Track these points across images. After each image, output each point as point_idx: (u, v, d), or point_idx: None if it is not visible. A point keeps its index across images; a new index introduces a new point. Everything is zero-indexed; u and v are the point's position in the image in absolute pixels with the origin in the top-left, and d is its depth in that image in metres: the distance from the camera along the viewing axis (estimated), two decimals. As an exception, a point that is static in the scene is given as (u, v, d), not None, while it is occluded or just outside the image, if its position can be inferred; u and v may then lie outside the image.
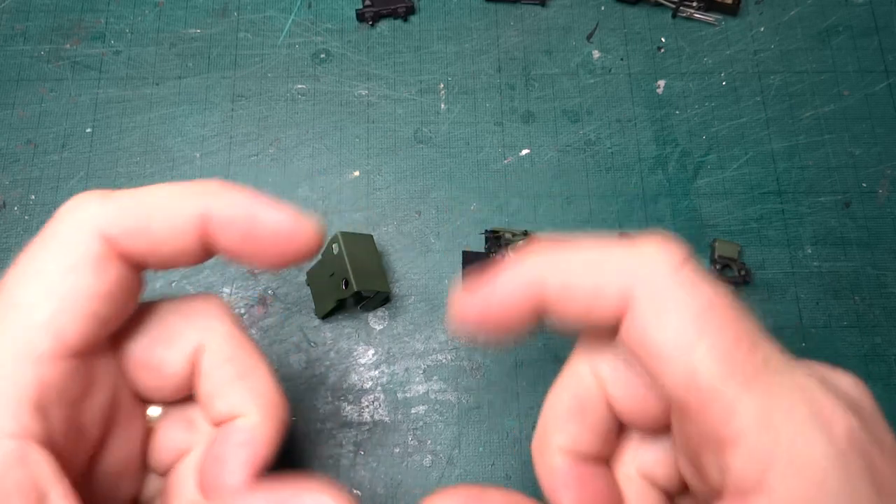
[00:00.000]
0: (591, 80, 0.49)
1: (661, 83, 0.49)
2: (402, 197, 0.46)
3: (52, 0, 0.50)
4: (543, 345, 0.43)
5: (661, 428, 0.25)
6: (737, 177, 0.47)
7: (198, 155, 0.47)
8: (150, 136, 0.47)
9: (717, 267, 0.43)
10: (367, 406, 0.41)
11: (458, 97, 0.48)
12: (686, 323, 0.21)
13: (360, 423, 0.41)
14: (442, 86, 0.49)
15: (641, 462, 0.26)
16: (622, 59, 0.50)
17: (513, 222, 0.45)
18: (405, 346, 0.43)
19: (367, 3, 0.50)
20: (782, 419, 0.20)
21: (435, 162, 0.47)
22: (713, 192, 0.46)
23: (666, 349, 0.21)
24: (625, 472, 0.26)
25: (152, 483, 0.27)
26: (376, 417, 0.41)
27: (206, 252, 0.25)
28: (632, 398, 0.24)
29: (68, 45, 0.49)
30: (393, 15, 0.50)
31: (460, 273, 0.43)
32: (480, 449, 0.40)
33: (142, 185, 0.46)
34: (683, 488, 0.26)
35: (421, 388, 0.42)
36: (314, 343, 0.43)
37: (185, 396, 0.26)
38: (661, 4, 0.51)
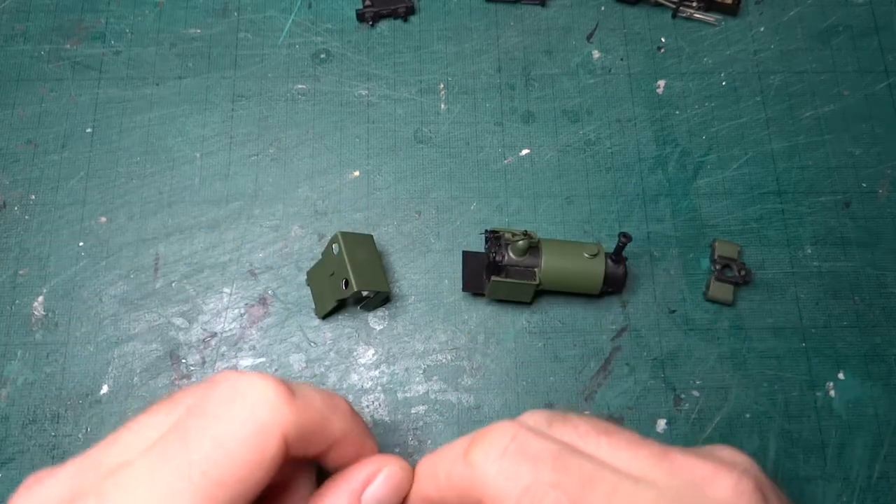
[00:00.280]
0: (591, 80, 0.49)
1: (661, 83, 0.49)
2: (402, 197, 0.46)
3: (52, 0, 0.51)
4: (543, 345, 0.43)
5: None
6: (737, 177, 0.47)
7: (198, 155, 0.47)
8: (150, 136, 0.47)
9: (717, 267, 0.43)
10: (367, 406, 0.41)
11: (458, 97, 0.48)
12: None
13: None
14: (442, 86, 0.49)
15: None
16: (622, 59, 0.50)
17: (513, 222, 0.45)
18: (405, 346, 0.43)
19: (367, 3, 0.50)
20: None
21: (435, 162, 0.47)
22: (713, 192, 0.46)
23: None
24: None
25: None
26: (376, 417, 0.41)
27: None
28: None
29: (68, 45, 0.49)
30: (393, 15, 0.50)
31: (460, 273, 0.43)
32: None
33: (142, 185, 0.47)
34: None
35: (421, 388, 0.42)
36: (314, 343, 0.43)
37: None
38: (661, 4, 0.51)
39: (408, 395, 0.42)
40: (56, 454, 0.40)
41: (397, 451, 0.40)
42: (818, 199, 0.46)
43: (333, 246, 0.41)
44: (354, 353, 0.42)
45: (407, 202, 0.46)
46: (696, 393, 0.42)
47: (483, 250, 0.43)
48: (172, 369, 0.42)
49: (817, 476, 0.40)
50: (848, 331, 0.43)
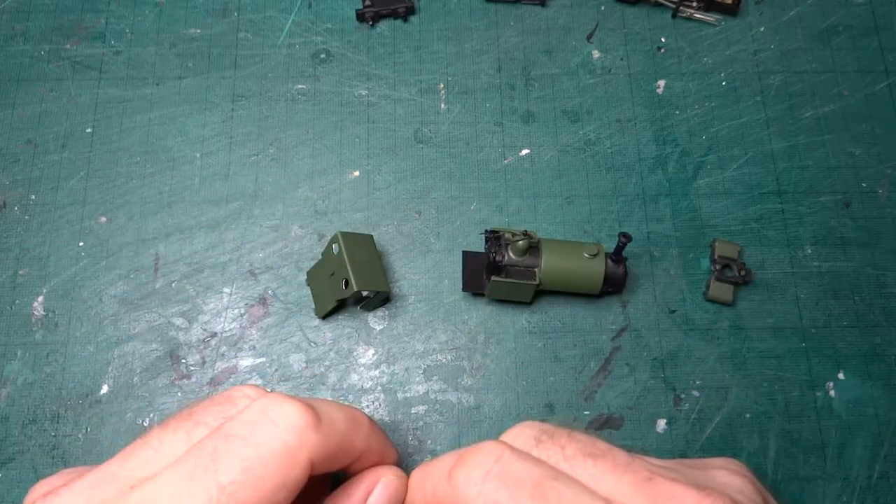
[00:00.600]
0: (591, 80, 0.49)
1: (661, 83, 0.49)
2: (402, 197, 0.46)
3: (52, 0, 0.51)
4: (543, 345, 0.43)
5: None
6: (737, 177, 0.47)
7: (198, 155, 0.47)
8: (150, 136, 0.47)
9: (717, 267, 0.43)
10: (368, 406, 0.41)
11: (458, 97, 0.48)
12: None
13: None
14: (442, 86, 0.49)
15: None
16: (622, 59, 0.50)
17: (513, 222, 0.45)
18: (405, 346, 0.43)
19: (367, 3, 0.50)
20: None
21: (435, 162, 0.47)
22: (713, 192, 0.46)
23: None
24: None
25: None
26: (376, 417, 0.41)
27: None
28: None
29: (68, 45, 0.49)
30: (393, 15, 0.50)
31: (460, 273, 0.43)
32: (480, 449, 0.40)
33: (142, 185, 0.47)
34: None
35: (421, 388, 0.42)
36: (314, 343, 0.43)
37: None
38: (661, 4, 0.51)
39: (408, 395, 0.42)
40: (56, 454, 0.40)
41: (397, 450, 0.40)
42: (818, 199, 0.46)
43: (333, 246, 0.41)
44: (354, 353, 0.42)
45: (407, 202, 0.46)
46: (696, 393, 0.42)
47: (483, 250, 0.43)
48: (172, 369, 0.42)
49: (817, 476, 0.40)
50: (848, 331, 0.43)
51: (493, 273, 0.41)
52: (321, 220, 0.45)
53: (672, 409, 0.41)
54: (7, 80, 0.48)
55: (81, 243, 0.44)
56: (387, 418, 0.41)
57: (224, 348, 0.42)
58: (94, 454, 0.40)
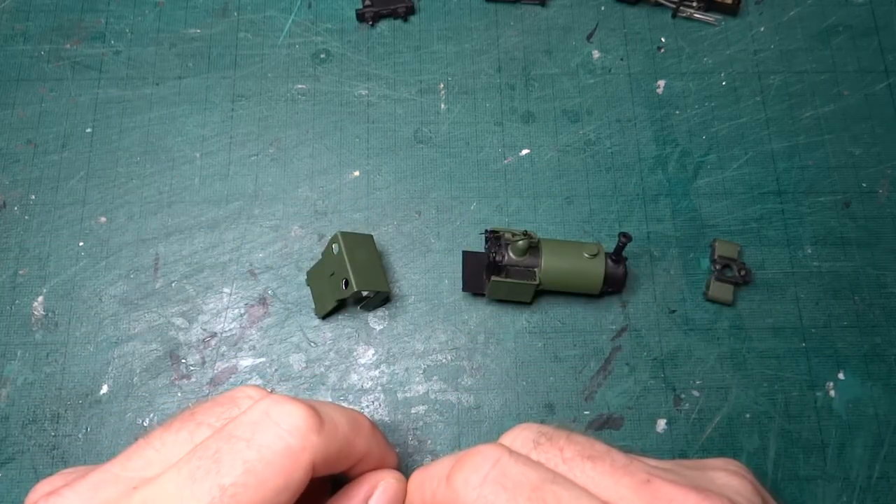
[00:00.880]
0: (591, 80, 0.49)
1: (661, 83, 0.49)
2: (402, 197, 0.46)
3: (52, 0, 0.50)
4: (543, 345, 0.43)
5: None
6: (737, 177, 0.47)
7: (198, 155, 0.47)
8: (150, 136, 0.47)
9: (717, 267, 0.43)
10: (367, 406, 0.41)
11: (458, 97, 0.48)
12: None
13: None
14: (442, 86, 0.49)
15: None
16: (622, 59, 0.50)
17: (513, 222, 0.45)
18: (405, 346, 0.43)
19: (367, 3, 0.50)
20: None
21: (435, 162, 0.47)
22: (713, 192, 0.46)
23: None
24: None
25: None
26: (376, 417, 0.41)
27: None
28: None
29: (68, 45, 0.49)
30: (393, 15, 0.50)
31: (460, 273, 0.43)
32: (480, 449, 0.40)
33: (142, 185, 0.47)
34: None
35: (421, 388, 0.42)
36: (314, 343, 0.43)
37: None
38: (661, 4, 0.51)
39: (408, 395, 0.42)
40: (56, 454, 0.40)
41: (397, 451, 0.40)
42: (818, 199, 0.46)
43: (333, 246, 0.41)
44: (354, 353, 0.42)
45: (407, 202, 0.46)
46: (696, 393, 0.42)
47: (483, 250, 0.43)
48: (172, 369, 0.42)
49: (817, 476, 0.40)
50: (848, 331, 0.43)
51: (493, 273, 0.41)
52: (321, 220, 0.45)
53: (672, 409, 0.41)
54: (7, 80, 0.48)
55: (81, 243, 0.44)
56: (387, 418, 0.41)
57: (224, 348, 0.42)
58: (94, 454, 0.40)
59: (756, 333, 0.43)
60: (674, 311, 0.43)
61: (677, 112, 0.48)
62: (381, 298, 0.42)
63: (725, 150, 0.47)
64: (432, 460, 0.40)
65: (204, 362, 0.42)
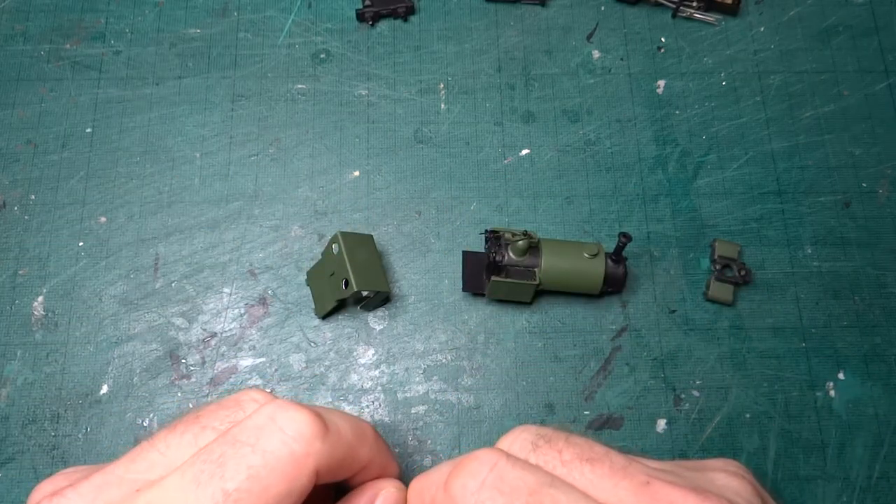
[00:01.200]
0: (591, 80, 0.49)
1: (661, 83, 0.49)
2: (402, 197, 0.46)
3: (52, 0, 0.50)
4: (543, 345, 0.43)
5: None
6: (737, 177, 0.47)
7: (198, 155, 0.47)
8: (150, 136, 0.47)
9: (717, 267, 0.43)
10: (367, 406, 0.41)
11: (458, 97, 0.48)
12: None
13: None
14: (442, 86, 0.49)
15: None
16: (622, 59, 0.50)
17: (513, 222, 0.45)
18: (405, 346, 0.43)
19: (367, 3, 0.50)
20: None
21: (435, 162, 0.47)
22: (713, 192, 0.46)
23: None
24: None
25: None
26: (376, 417, 0.41)
27: None
28: None
29: (68, 45, 0.49)
30: (393, 15, 0.50)
31: (460, 273, 0.43)
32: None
33: (142, 185, 0.47)
34: None
35: (421, 388, 0.42)
36: (314, 343, 0.43)
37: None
38: (661, 4, 0.51)
39: (408, 395, 0.42)
40: (56, 454, 0.40)
41: (397, 451, 0.40)
42: (818, 199, 0.46)
43: (333, 246, 0.41)
44: (354, 353, 0.42)
45: (407, 202, 0.46)
46: (696, 393, 0.42)
47: (483, 250, 0.43)
48: (172, 369, 0.42)
49: (817, 476, 0.40)
50: (848, 331, 0.43)
51: (493, 273, 0.41)
52: (321, 220, 0.45)
53: (672, 409, 0.41)
54: (7, 80, 0.48)
55: (81, 243, 0.44)
56: (387, 418, 0.41)
57: (224, 348, 0.42)
58: (93, 454, 0.40)
59: (756, 333, 0.43)
60: (674, 311, 0.43)
61: (677, 112, 0.48)
62: (381, 298, 0.42)
63: (725, 150, 0.47)
64: (432, 460, 0.40)
65: (204, 362, 0.42)
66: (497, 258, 0.40)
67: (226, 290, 0.44)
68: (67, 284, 0.44)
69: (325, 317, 0.43)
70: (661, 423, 0.41)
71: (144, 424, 0.41)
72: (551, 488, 0.23)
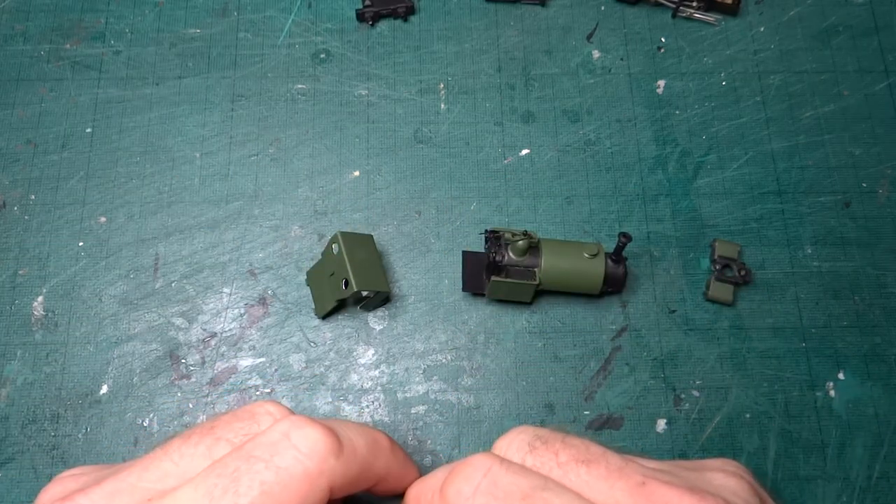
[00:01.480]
0: (591, 80, 0.49)
1: (661, 83, 0.49)
2: (402, 197, 0.46)
3: (52, 0, 0.50)
4: (543, 345, 0.43)
5: None
6: (737, 177, 0.47)
7: (198, 155, 0.47)
8: (150, 136, 0.47)
9: (717, 267, 0.43)
10: (367, 406, 0.41)
11: (458, 97, 0.48)
12: None
13: (360, 423, 0.41)
14: (442, 86, 0.49)
15: None
16: (622, 59, 0.50)
17: (513, 222, 0.45)
18: (405, 346, 0.43)
19: (367, 3, 0.50)
20: None
21: (435, 162, 0.47)
22: (713, 192, 0.46)
23: None
24: None
25: None
26: (376, 417, 0.41)
27: None
28: None
29: (68, 45, 0.49)
30: (393, 15, 0.50)
31: (460, 273, 0.43)
32: (480, 449, 0.40)
33: (142, 185, 0.47)
34: None
35: (421, 388, 0.42)
36: (314, 343, 0.43)
37: None
38: (661, 4, 0.51)
39: (408, 395, 0.42)
40: (56, 454, 0.40)
41: (397, 451, 0.40)
42: (818, 199, 0.46)
43: (333, 246, 0.41)
44: (354, 353, 0.42)
45: (407, 202, 0.46)
46: (696, 393, 0.42)
47: (483, 250, 0.43)
48: (172, 369, 0.42)
49: (817, 476, 0.40)
50: (848, 331, 0.43)
51: (493, 273, 0.41)
52: (321, 220, 0.45)
53: (672, 409, 0.41)
54: (7, 80, 0.48)
55: (81, 243, 0.44)
56: (387, 418, 0.41)
57: (224, 348, 0.42)
58: (93, 454, 0.40)
59: (756, 333, 0.43)
60: (674, 311, 0.43)
61: (677, 112, 0.48)
62: (381, 298, 0.42)
63: (725, 150, 0.47)
64: (432, 461, 0.40)
65: (204, 362, 0.42)
66: (497, 258, 0.40)
67: (226, 290, 0.44)
68: (67, 284, 0.44)
69: (325, 317, 0.43)
70: (661, 424, 0.41)
71: (144, 424, 0.41)
72: (544, 491, 0.23)
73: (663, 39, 0.50)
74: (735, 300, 0.43)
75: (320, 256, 0.43)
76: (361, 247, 0.41)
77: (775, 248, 0.45)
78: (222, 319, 0.43)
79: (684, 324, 0.43)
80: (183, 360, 0.42)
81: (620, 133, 0.48)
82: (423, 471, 0.40)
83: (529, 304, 0.43)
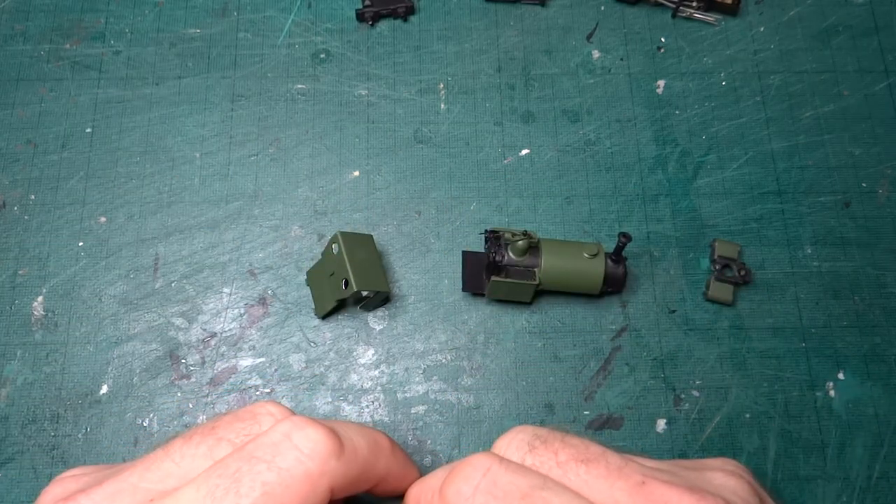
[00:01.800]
0: (591, 80, 0.49)
1: (661, 83, 0.49)
2: (402, 197, 0.46)
3: (52, 0, 0.50)
4: (543, 345, 0.43)
5: None
6: (737, 177, 0.47)
7: (198, 155, 0.47)
8: (149, 136, 0.47)
9: (717, 267, 0.43)
10: (367, 406, 0.41)
11: (457, 97, 0.48)
12: None
13: (361, 423, 0.41)
14: (442, 86, 0.49)
15: None
16: (622, 59, 0.50)
17: (513, 222, 0.45)
18: (405, 346, 0.43)
19: (367, 3, 0.50)
20: None
21: (435, 162, 0.47)
22: (713, 192, 0.46)
23: None
24: None
25: None
26: (376, 417, 0.41)
27: None
28: None
29: (68, 45, 0.49)
30: (393, 15, 0.50)
31: (460, 273, 0.43)
32: (480, 449, 0.40)
33: (141, 185, 0.47)
34: None
35: (421, 388, 0.42)
36: (314, 343, 0.43)
37: None
38: (661, 4, 0.51)
39: (408, 395, 0.42)
40: (56, 454, 0.40)
41: (397, 451, 0.40)
42: (818, 199, 0.46)
43: (333, 246, 0.41)
44: (354, 353, 0.42)
45: (407, 202, 0.46)
46: (696, 393, 0.42)
47: (483, 250, 0.43)
48: (172, 369, 0.42)
49: (817, 476, 0.40)
50: (848, 331, 0.43)
51: (493, 273, 0.41)
52: (321, 220, 0.45)
53: (672, 409, 0.41)
54: (7, 80, 0.48)
55: (81, 243, 0.44)
56: (387, 418, 0.41)
57: (224, 348, 0.42)
58: (93, 454, 0.40)
59: (756, 333, 0.43)
60: (674, 311, 0.43)
61: (677, 112, 0.48)
62: (380, 298, 0.42)
63: (725, 150, 0.47)
64: (432, 461, 0.40)
65: (204, 362, 0.42)
66: (497, 258, 0.40)
67: (226, 290, 0.44)
68: (67, 284, 0.44)
69: (324, 317, 0.43)
70: (661, 424, 0.41)
71: (144, 424, 0.41)
72: (543, 490, 0.23)
73: (663, 39, 0.50)
74: (735, 300, 0.43)
75: (320, 256, 0.43)
76: (361, 247, 0.41)
77: (775, 248, 0.45)
78: (222, 319, 0.43)
79: (684, 324, 0.43)
80: (183, 360, 0.42)
81: (620, 133, 0.48)
82: (423, 471, 0.40)
83: (529, 304, 0.43)
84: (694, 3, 0.50)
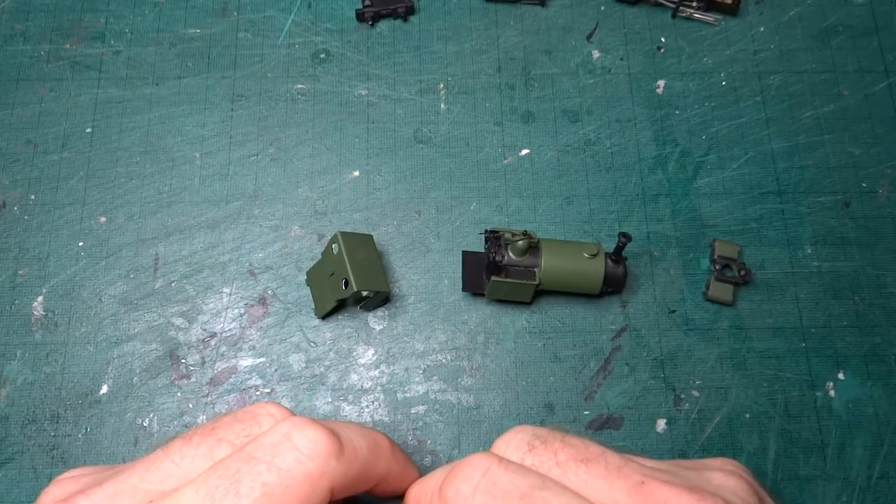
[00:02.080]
0: (591, 80, 0.49)
1: (661, 83, 0.49)
2: (402, 197, 0.46)
3: (52, 0, 0.50)
4: (543, 345, 0.43)
5: None
6: (737, 177, 0.47)
7: (198, 155, 0.47)
8: (149, 136, 0.47)
9: (717, 267, 0.43)
10: (367, 406, 0.41)
11: (457, 97, 0.48)
12: None
13: (361, 424, 0.41)
14: (442, 86, 0.49)
15: None
16: (622, 59, 0.50)
17: (513, 222, 0.45)
18: (405, 346, 0.43)
19: (367, 3, 0.50)
20: None
21: (435, 162, 0.47)
22: (713, 192, 0.46)
23: None
24: None
25: None
26: (376, 417, 0.41)
27: None
28: None
29: (68, 45, 0.49)
30: (393, 15, 0.50)
31: (460, 273, 0.43)
32: (480, 449, 0.40)
33: (141, 185, 0.47)
34: None
35: (421, 388, 0.42)
36: (314, 343, 0.43)
37: None
38: (661, 4, 0.51)
39: (408, 395, 0.42)
40: (56, 454, 0.40)
41: (397, 451, 0.40)
42: (818, 199, 0.46)
43: (333, 246, 0.41)
44: (354, 353, 0.42)
45: (407, 202, 0.46)
46: (696, 393, 0.42)
47: (483, 250, 0.43)
48: (172, 369, 0.42)
49: (817, 476, 0.40)
50: (848, 331, 0.43)
51: (493, 273, 0.41)
52: (321, 220, 0.45)
53: (672, 409, 0.41)
54: (7, 80, 0.48)
55: (81, 243, 0.44)
56: (387, 418, 0.41)
57: (224, 348, 0.42)
58: (93, 454, 0.40)
59: (756, 333, 0.43)
60: (674, 311, 0.43)
61: (677, 112, 0.48)
62: (380, 298, 0.42)
63: (725, 150, 0.47)
64: (432, 461, 0.40)
65: (204, 362, 0.42)
66: (497, 258, 0.40)
67: (226, 290, 0.44)
68: (67, 284, 0.44)
69: (324, 317, 0.43)
70: (661, 424, 0.41)
71: (144, 424, 0.41)
72: (542, 490, 0.23)
73: (663, 39, 0.50)
74: (735, 300, 0.43)
75: (320, 256, 0.43)
76: (361, 247, 0.41)
77: (775, 248, 0.45)
78: (222, 319, 0.43)
79: (684, 324, 0.43)
80: (183, 360, 0.42)
81: (620, 133, 0.48)
82: (423, 471, 0.40)
83: (529, 304, 0.43)
84: (694, 3, 0.50)
